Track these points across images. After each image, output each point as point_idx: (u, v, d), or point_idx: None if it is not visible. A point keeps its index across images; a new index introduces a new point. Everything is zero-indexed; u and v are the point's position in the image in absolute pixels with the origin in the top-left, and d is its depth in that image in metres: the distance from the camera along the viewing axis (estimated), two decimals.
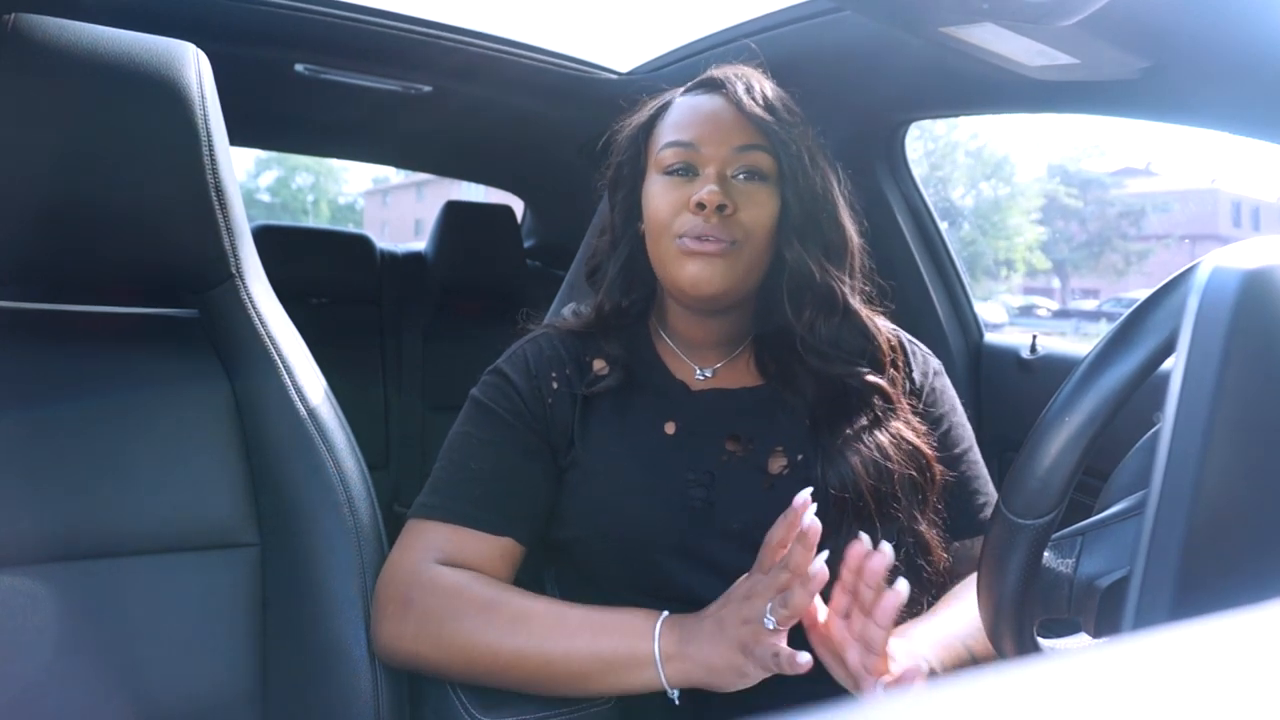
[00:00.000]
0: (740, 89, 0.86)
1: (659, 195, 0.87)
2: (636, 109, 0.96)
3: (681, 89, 0.93)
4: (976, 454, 0.95)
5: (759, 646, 0.69)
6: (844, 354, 0.89)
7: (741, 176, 0.85)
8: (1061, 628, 0.69)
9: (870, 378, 0.88)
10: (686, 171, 0.86)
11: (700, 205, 0.82)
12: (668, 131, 0.89)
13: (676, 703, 0.74)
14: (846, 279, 0.90)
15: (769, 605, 0.70)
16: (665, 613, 0.75)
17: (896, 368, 0.92)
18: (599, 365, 0.91)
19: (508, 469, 0.85)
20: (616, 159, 0.95)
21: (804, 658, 0.67)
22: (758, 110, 0.85)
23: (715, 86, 0.89)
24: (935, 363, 0.98)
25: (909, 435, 0.86)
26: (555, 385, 0.89)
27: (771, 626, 0.69)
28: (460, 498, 0.84)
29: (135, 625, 0.81)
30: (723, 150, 0.85)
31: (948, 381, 0.98)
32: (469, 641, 0.76)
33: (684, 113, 0.89)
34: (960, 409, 0.97)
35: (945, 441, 0.91)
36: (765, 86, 0.88)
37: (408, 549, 0.83)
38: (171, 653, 0.82)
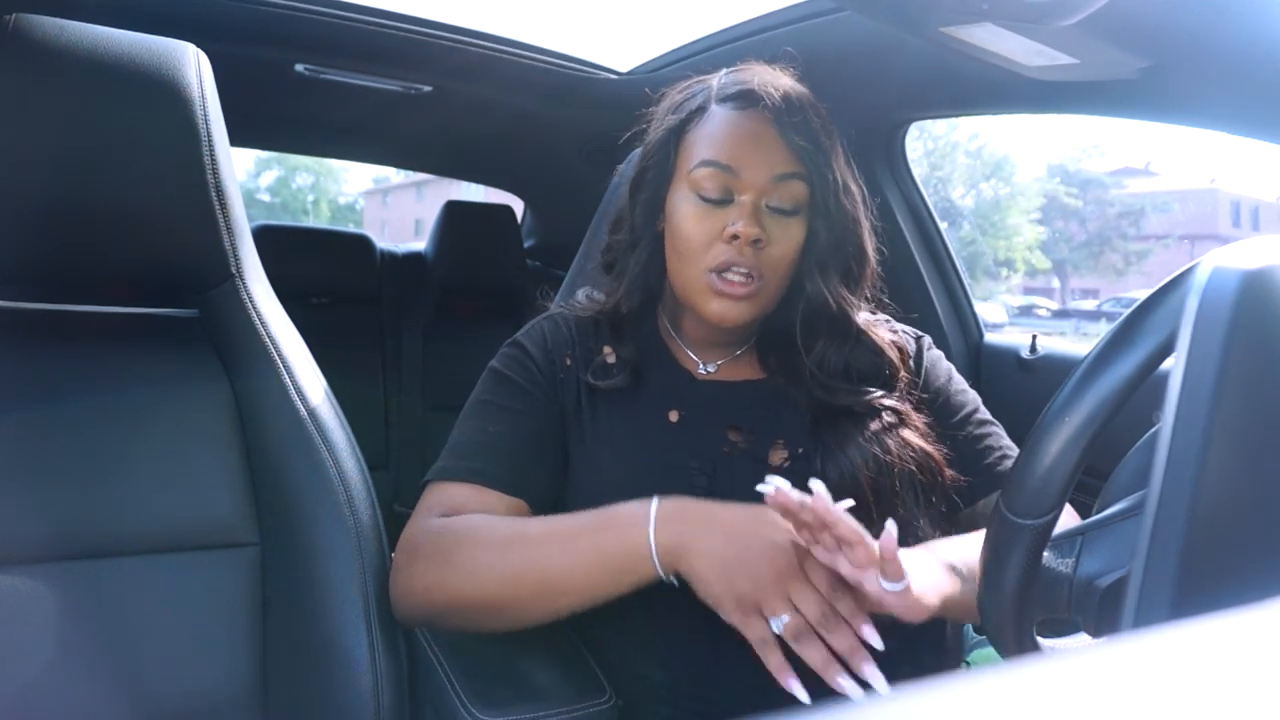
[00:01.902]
0: (781, 106, 0.84)
1: (691, 220, 0.85)
2: (662, 99, 0.95)
3: (717, 89, 0.90)
4: (983, 413, 0.94)
5: (759, 630, 0.68)
6: (852, 384, 0.89)
7: (776, 210, 0.85)
8: (1061, 628, 0.69)
9: (877, 401, 0.88)
10: (721, 196, 0.85)
11: (734, 236, 0.82)
12: (704, 146, 0.86)
13: (676, 584, 0.72)
14: (858, 302, 0.90)
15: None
16: (657, 502, 0.73)
17: (908, 371, 0.92)
18: (606, 351, 0.92)
19: (525, 434, 0.87)
20: (644, 162, 0.93)
21: (794, 686, 0.67)
22: (799, 139, 0.84)
23: (754, 100, 0.85)
24: (925, 339, 0.98)
25: (916, 440, 0.86)
26: (569, 363, 0.91)
27: (778, 630, 0.68)
28: (476, 458, 0.86)
29: (135, 625, 0.81)
30: (761, 177, 0.84)
31: (938, 354, 0.98)
32: (467, 569, 0.77)
33: (722, 128, 0.86)
34: (955, 376, 0.96)
35: (946, 411, 0.92)
36: (803, 99, 0.86)
37: (423, 511, 0.85)
38: (171, 653, 0.82)
